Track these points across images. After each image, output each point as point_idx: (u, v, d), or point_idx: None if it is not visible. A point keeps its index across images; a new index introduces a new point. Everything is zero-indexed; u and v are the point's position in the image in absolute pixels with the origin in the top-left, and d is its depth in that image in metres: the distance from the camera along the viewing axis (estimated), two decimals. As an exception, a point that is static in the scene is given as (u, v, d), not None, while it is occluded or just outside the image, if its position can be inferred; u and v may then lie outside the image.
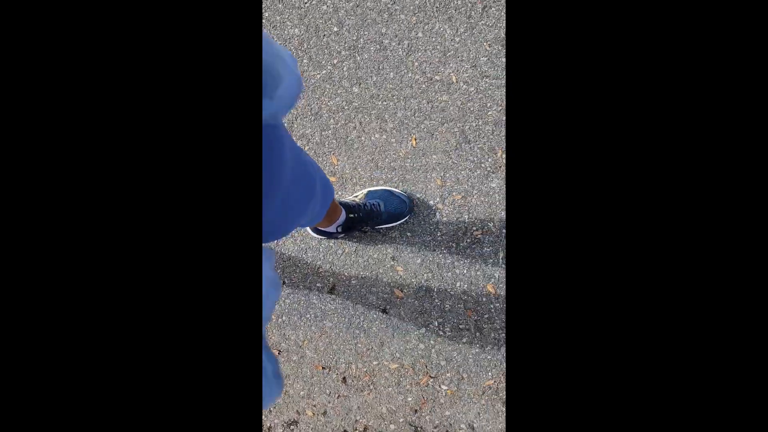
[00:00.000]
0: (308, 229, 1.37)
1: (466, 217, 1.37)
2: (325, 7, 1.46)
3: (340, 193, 1.44)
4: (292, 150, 0.68)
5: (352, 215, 1.27)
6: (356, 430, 1.40)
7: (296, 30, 1.48)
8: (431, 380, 1.37)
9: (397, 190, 1.37)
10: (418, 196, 1.40)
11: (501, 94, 1.35)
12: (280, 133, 0.61)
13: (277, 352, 1.44)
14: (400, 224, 1.38)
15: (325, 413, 1.42)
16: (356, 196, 1.38)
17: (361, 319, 1.40)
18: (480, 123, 1.37)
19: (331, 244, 1.41)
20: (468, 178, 1.37)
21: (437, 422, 1.36)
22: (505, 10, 1.34)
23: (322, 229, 1.31)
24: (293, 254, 1.43)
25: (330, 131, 1.45)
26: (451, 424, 1.35)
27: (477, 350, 1.34)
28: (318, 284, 1.42)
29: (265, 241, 0.78)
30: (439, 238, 1.38)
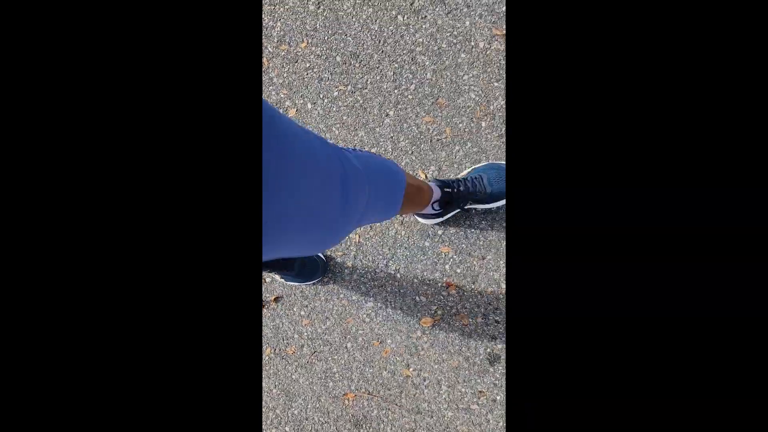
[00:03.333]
0: (417, 218, 1.37)
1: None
2: None
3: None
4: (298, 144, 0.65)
5: (447, 189, 1.22)
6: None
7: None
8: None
9: (502, 162, 1.31)
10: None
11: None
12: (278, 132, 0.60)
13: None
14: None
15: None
16: (459, 174, 1.35)
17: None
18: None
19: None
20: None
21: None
22: None
23: (420, 213, 1.29)
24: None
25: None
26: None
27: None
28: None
29: (311, 251, 0.77)
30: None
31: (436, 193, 1.21)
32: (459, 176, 1.32)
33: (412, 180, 1.09)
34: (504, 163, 1.31)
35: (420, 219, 1.37)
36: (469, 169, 1.34)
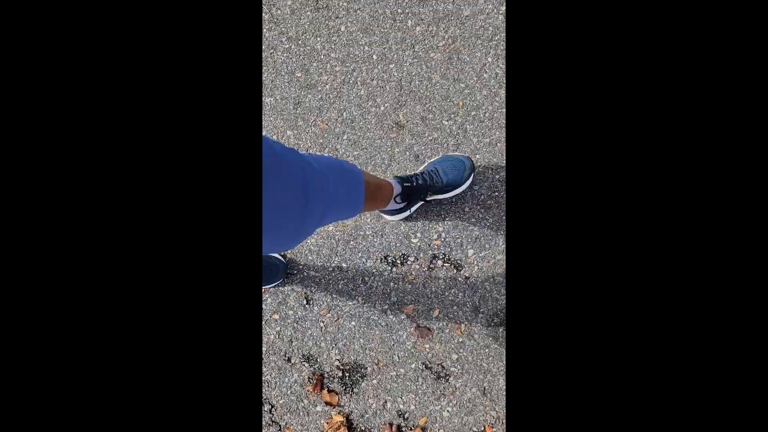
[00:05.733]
0: (383, 215, 1.42)
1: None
2: None
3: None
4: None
5: (407, 183, 1.29)
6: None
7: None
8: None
9: (455, 153, 1.37)
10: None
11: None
12: None
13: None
14: (465, 190, 1.38)
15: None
16: (418, 170, 1.40)
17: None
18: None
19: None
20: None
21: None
22: None
23: (386, 209, 1.34)
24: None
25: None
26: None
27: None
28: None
29: (272, 250, 0.81)
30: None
31: (397, 189, 1.27)
32: (417, 171, 1.38)
33: (371, 178, 1.15)
34: (457, 154, 1.37)
35: (387, 216, 1.42)
36: (426, 164, 1.39)
